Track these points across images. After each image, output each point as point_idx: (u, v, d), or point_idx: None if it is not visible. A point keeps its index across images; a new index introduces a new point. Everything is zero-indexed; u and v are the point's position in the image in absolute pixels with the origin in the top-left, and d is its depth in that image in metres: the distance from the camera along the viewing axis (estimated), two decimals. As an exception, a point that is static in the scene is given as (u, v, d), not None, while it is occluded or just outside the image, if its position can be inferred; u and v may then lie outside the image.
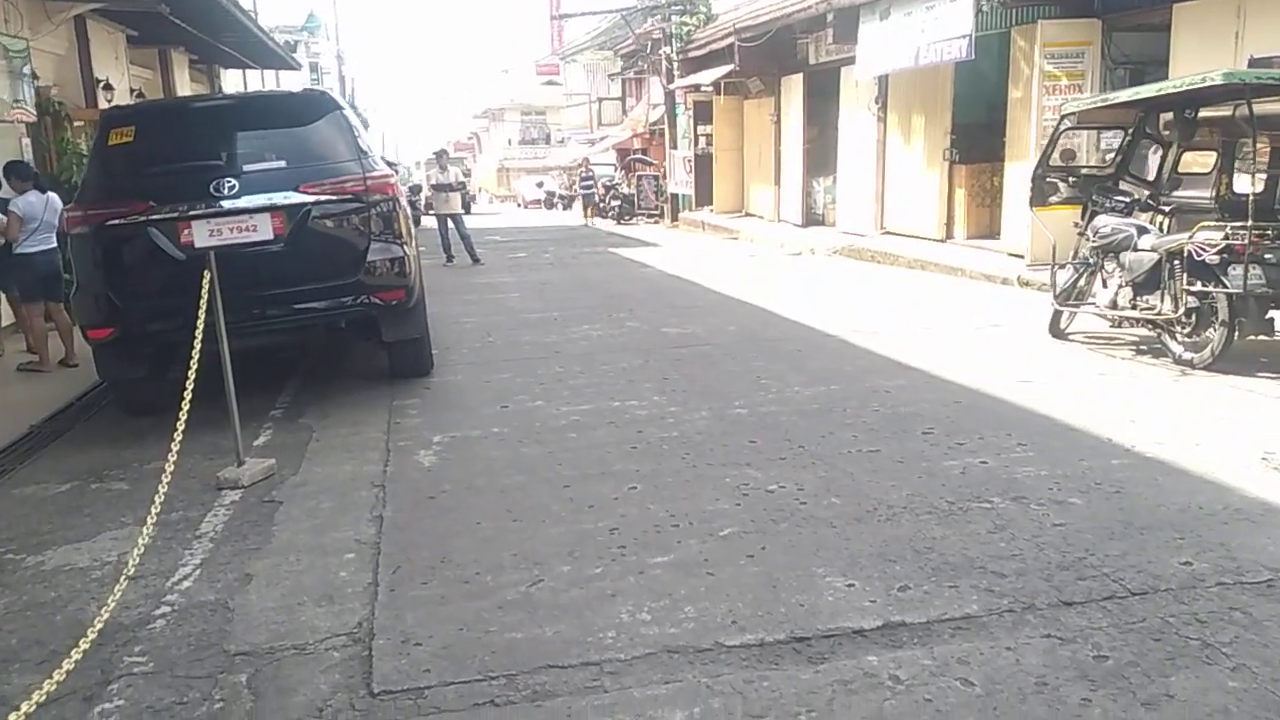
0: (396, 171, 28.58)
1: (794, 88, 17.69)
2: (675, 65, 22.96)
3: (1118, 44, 10.36)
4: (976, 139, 13.10)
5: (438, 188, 15.58)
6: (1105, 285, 6.63)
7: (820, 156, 17.42)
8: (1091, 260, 6.73)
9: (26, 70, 9.72)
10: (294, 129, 5.76)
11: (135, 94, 14.50)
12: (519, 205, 48.00)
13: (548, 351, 7.43)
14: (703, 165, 22.39)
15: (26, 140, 9.82)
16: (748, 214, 20.98)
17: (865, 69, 13.77)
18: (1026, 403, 5.36)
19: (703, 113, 22.42)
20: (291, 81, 35.22)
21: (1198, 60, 8.64)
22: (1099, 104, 6.48)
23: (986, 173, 13.08)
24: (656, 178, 26.05)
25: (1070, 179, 6.87)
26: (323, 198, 5.60)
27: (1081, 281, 6.84)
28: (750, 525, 3.66)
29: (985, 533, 3.53)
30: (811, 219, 17.68)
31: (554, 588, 3.21)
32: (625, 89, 38.64)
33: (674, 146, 24.16)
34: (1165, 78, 9.02)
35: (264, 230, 5.48)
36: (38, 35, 10.40)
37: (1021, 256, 11.02)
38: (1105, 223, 6.53)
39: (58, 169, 10.03)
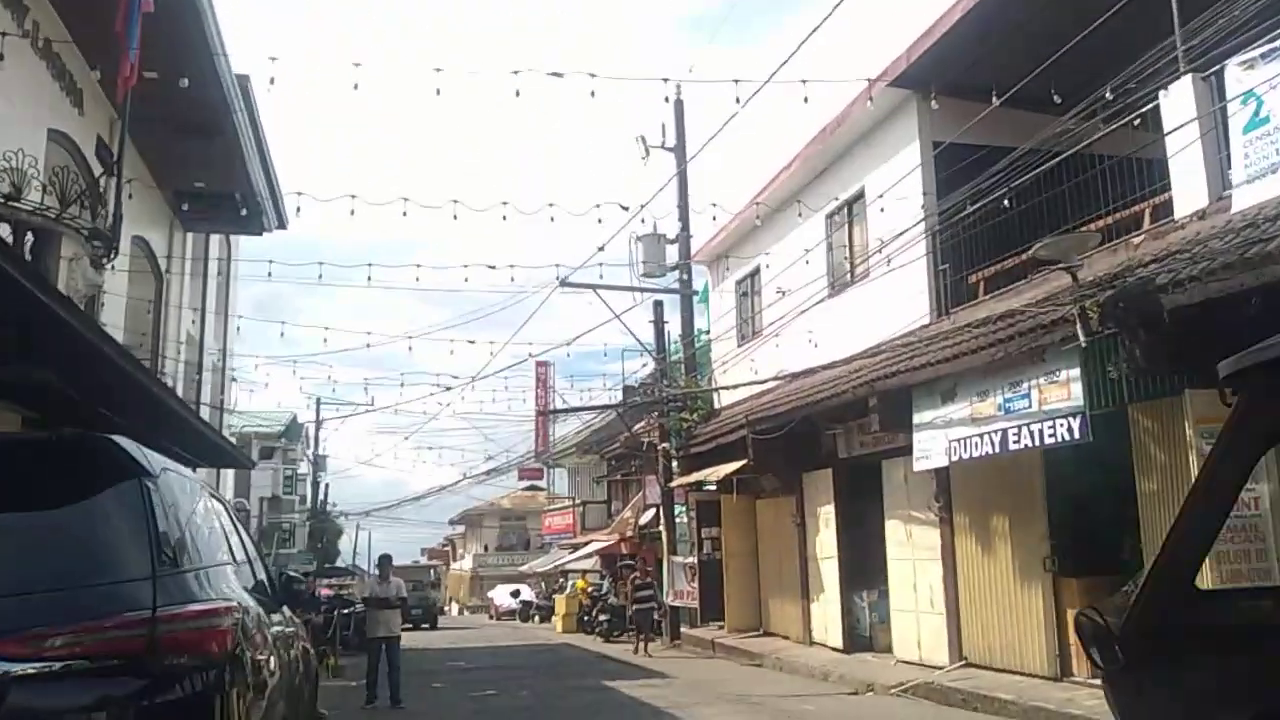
0: (354, 577, 24.64)
1: (820, 485, 15.22)
2: (675, 462, 20.83)
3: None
4: (1088, 545, 10.26)
5: (371, 602, 12.31)
6: None
7: (861, 565, 14.44)
8: None
9: None
10: (24, 515, 2.76)
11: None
12: (491, 617, 43.91)
13: None
14: (708, 573, 19.30)
15: None
16: (768, 633, 17.49)
17: (926, 460, 11.29)
18: None
19: (707, 514, 19.81)
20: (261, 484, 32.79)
21: None
22: None
23: (1105, 588, 10.05)
24: (651, 585, 22.84)
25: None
26: (44, 664, 2.45)
27: None
28: None
29: None
30: (857, 642, 14.25)
31: None
32: (611, 492, 36.75)
33: (672, 551, 21.28)
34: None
35: None
36: None
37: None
38: None
39: None
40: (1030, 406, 9.38)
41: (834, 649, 14.42)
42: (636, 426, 24.22)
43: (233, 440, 24.10)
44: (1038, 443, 9.26)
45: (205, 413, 23.66)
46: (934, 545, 12.00)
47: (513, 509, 55.40)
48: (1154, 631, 2.30)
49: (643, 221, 19.45)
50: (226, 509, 4.33)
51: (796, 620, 16.04)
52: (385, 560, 12.81)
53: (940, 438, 10.85)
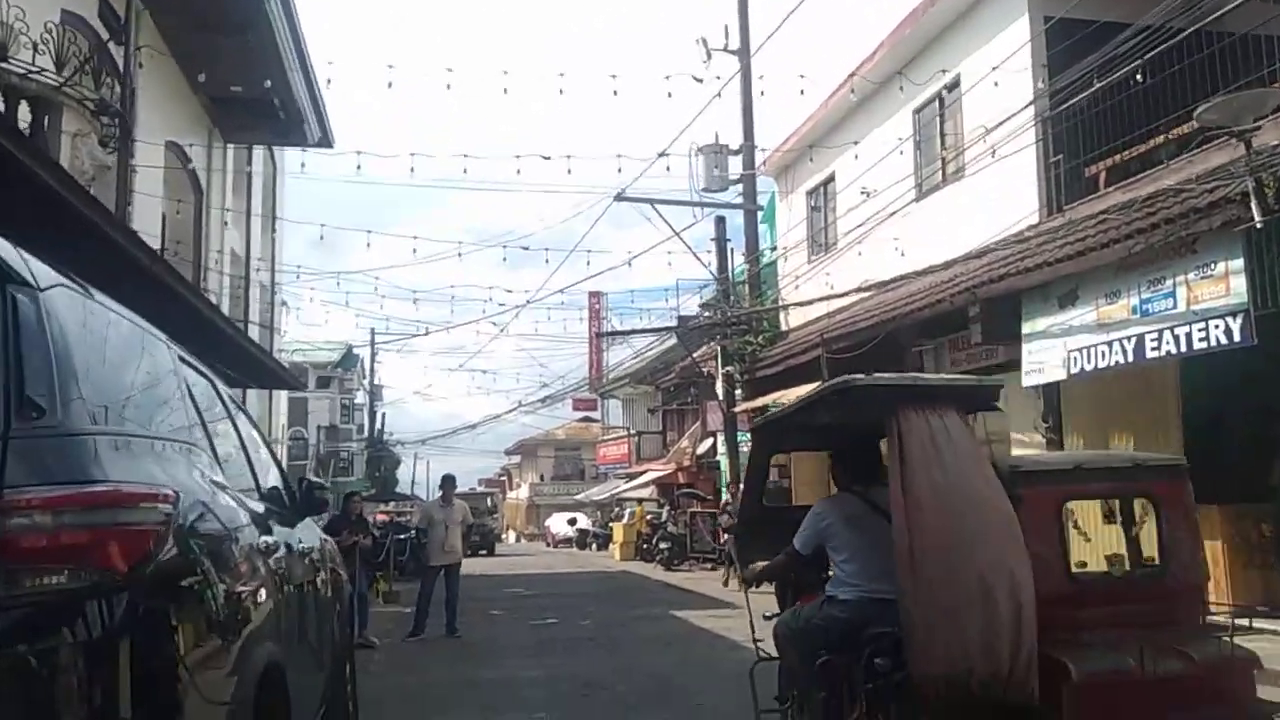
0: (414, 508, 23.19)
1: (904, 406, 14.01)
2: (738, 387, 19.73)
3: None
4: (1231, 469, 8.97)
5: (429, 530, 11.21)
6: None
7: (949, 492, 13.33)
8: None
9: None
10: None
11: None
12: (548, 544, 43.74)
13: None
14: (776, 502, 18.27)
15: None
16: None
17: (1038, 375, 10.00)
18: None
19: (774, 440, 18.71)
20: (279, 395, 32.32)
21: None
22: None
23: (1250, 517, 8.82)
24: (713, 515, 21.95)
25: None
26: None
27: None
28: None
29: None
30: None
31: None
32: (666, 422, 35.98)
33: (734, 480, 20.30)
34: None
35: None
36: None
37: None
38: None
39: None
40: (1175, 307, 8.03)
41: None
42: (696, 353, 23.14)
43: (285, 366, 23.55)
44: (1184, 349, 7.93)
45: (255, 333, 23.04)
46: (1039, 470, 10.77)
47: (567, 439, 55.06)
48: (748, 521, 5.30)
49: (716, 133, 17.98)
50: (216, 386, 3.31)
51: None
52: (448, 481, 11.87)
53: (1057, 349, 9.55)
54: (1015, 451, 9.72)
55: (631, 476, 37.39)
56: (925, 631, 3.39)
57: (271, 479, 3.93)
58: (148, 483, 1.86)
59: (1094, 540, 4.52)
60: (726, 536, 18.67)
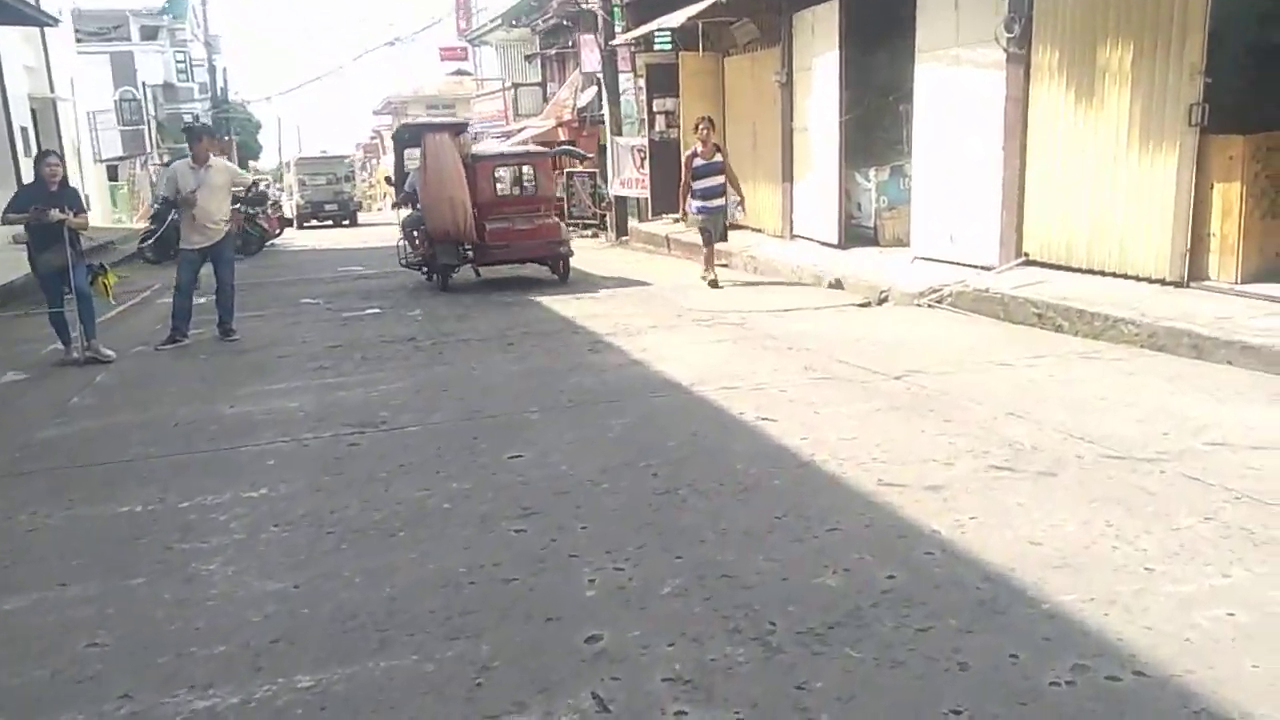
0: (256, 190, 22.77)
1: (820, 26, 11.02)
2: (619, 13, 16.19)
3: None
4: (1269, 85, 6.61)
5: (176, 203, 8.14)
6: None
7: (869, 136, 10.81)
8: None
9: None
10: None
11: None
12: (422, 211, 40.59)
13: None
14: (661, 156, 15.57)
15: None
16: (734, 225, 14.27)
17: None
18: None
19: (660, 80, 15.62)
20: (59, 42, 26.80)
21: None
22: None
23: (1280, 150, 6.60)
24: (593, 176, 19.18)
25: None
26: None
27: None
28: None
29: None
30: (855, 235, 11.03)
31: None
32: (545, 71, 31.84)
33: (617, 132, 17.39)
34: None
35: None
36: None
37: None
38: None
39: None
40: None
41: (823, 243, 11.24)
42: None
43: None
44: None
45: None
46: (994, 96, 8.25)
47: (439, 96, 49.98)
48: (399, 181, 12.43)
49: None
50: None
51: (773, 209, 12.70)
52: (196, 132, 8.45)
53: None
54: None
55: (508, 135, 33.69)
56: (430, 215, 10.53)
57: None
58: None
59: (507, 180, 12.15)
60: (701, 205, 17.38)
